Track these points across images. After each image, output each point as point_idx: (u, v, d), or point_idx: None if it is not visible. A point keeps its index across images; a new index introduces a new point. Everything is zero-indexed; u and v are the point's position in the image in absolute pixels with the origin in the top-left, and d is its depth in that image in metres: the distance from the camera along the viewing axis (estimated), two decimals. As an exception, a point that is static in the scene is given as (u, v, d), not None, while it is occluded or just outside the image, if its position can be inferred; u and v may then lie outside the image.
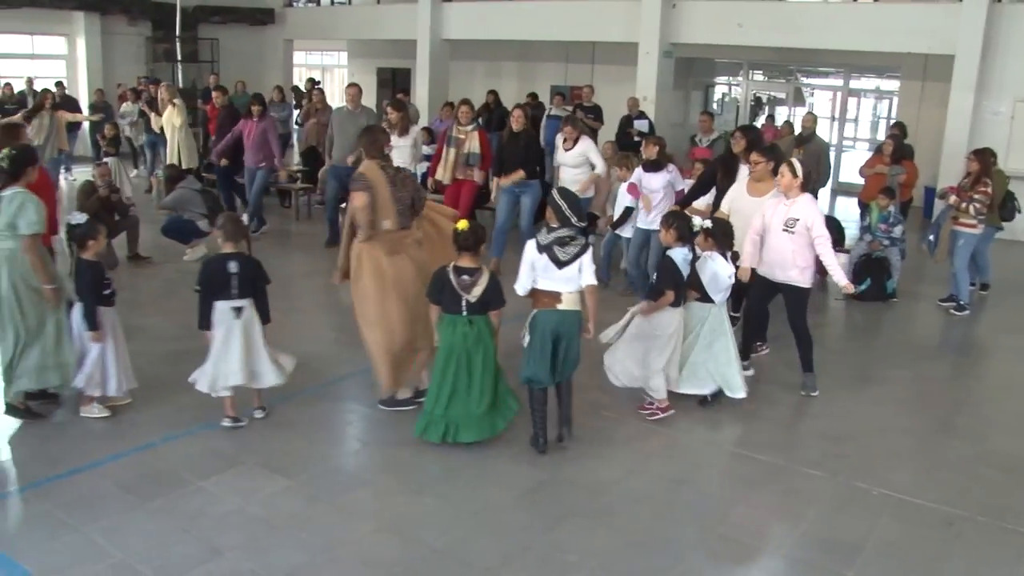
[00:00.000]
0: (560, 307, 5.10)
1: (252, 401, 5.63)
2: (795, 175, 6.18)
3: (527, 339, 5.17)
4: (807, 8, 14.86)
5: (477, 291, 5.09)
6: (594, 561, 4.22)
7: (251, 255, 5.54)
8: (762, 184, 6.68)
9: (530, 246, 5.12)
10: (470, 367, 5.12)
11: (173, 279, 8.46)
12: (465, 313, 5.10)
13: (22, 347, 5.42)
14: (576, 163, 9.37)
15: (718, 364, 5.98)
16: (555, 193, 5.25)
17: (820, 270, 6.42)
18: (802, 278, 6.28)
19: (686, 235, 5.73)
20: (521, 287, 5.15)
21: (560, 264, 5.03)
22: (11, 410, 5.57)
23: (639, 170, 8.51)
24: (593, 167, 9.32)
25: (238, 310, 5.39)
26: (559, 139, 9.63)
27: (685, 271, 5.71)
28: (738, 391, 6.01)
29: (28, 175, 5.49)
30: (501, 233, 9.65)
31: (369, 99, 22.15)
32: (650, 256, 8.29)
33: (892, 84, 18.23)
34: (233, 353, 5.35)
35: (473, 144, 9.75)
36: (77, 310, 5.45)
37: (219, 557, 4.13)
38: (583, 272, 5.09)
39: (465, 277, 5.09)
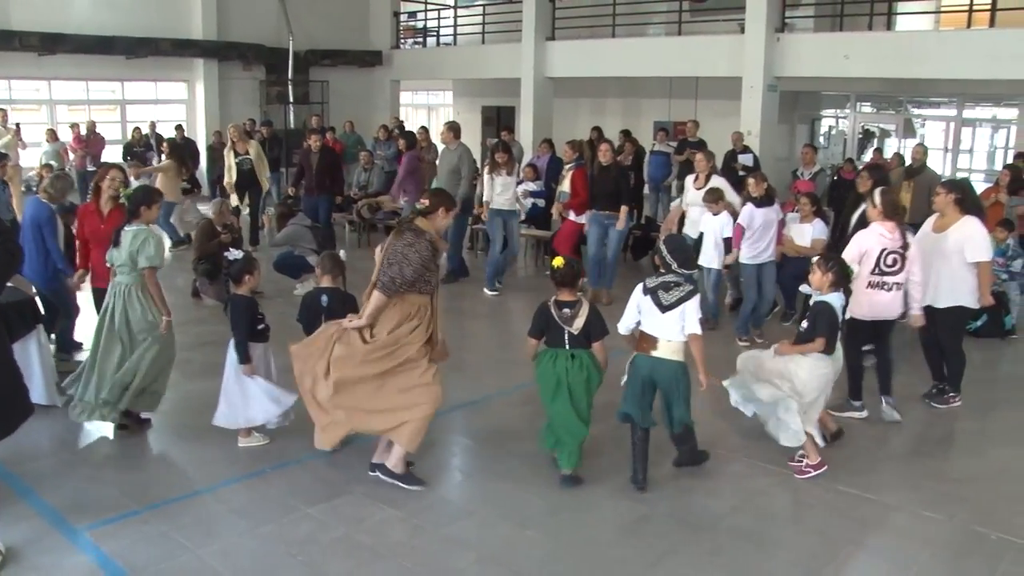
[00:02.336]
0: (654, 354, 5.09)
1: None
2: (874, 205, 6.14)
3: (624, 379, 5.24)
4: (918, 37, 14.47)
5: (579, 323, 5.15)
6: (698, 598, 4.16)
7: (346, 291, 5.72)
8: (945, 219, 6.49)
9: (638, 289, 5.17)
10: (573, 398, 5.17)
11: (285, 312, 8.70)
12: (568, 347, 5.17)
13: (124, 370, 5.79)
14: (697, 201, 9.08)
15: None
16: (661, 241, 5.34)
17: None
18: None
19: (842, 281, 5.44)
20: (623, 326, 5.21)
21: (663, 308, 5.03)
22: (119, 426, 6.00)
23: (749, 207, 8.27)
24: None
25: None
26: (689, 179, 9.48)
27: (840, 318, 5.44)
28: None
29: (145, 214, 5.89)
30: (595, 263, 9.73)
31: (474, 137, 22.71)
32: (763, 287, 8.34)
33: (1010, 112, 17.57)
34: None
35: (565, 183, 10.04)
36: (231, 345, 5.70)
37: (326, 582, 4.23)
38: (687, 320, 5.02)
39: (566, 310, 5.18)
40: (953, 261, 6.34)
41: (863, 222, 6.66)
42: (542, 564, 4.44)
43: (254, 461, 5.57)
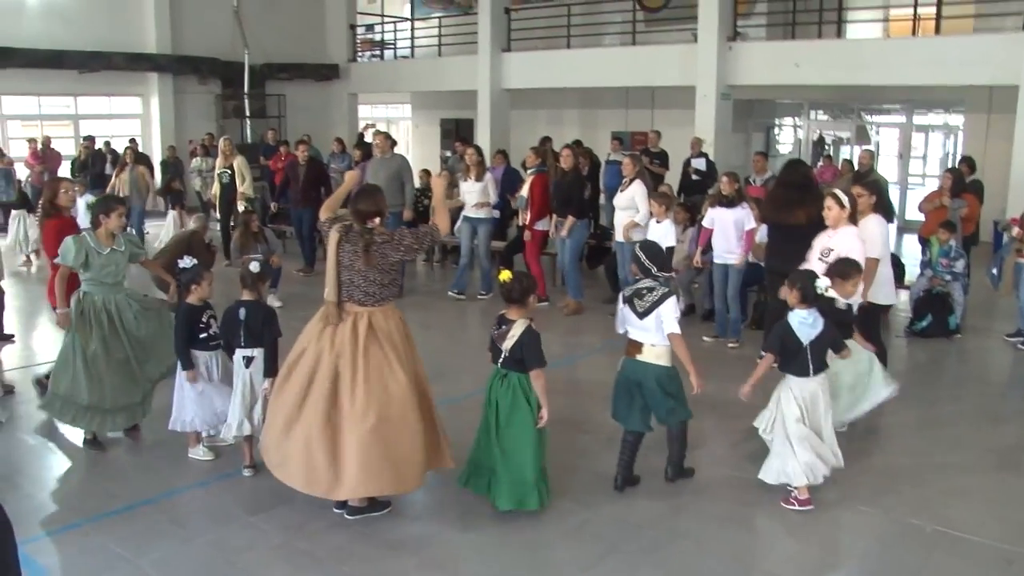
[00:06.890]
0: (639, 357, 5.13)
1: (243, 457, 5.57)
2: (842, 207, 6.14)
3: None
4: (866, 45, 14.74)
5: (507, 344, 4.78)
6: (635, 596, 4.19)
7: (264, 304, 5.62)
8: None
9: (620, 297, 5.32)
10: (498, 419, 4.86)
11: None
12: (500, 367, 4.88)
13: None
14: (625, 206, 9.27)
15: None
16: (637, 246, 5.34)
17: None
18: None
19: (811, 296, 5.16)
20: (621, 329, 5.26)
21: (639, 315, 5.06)
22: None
23: (716, 208, 8.40)
24: (637, 210, 9.07)
25: (248, 359, 5.43)
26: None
27: (804, 335, 5.08)
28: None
29: (103, 223, 5.89)
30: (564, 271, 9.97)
31: (433, 149, 22.76)
32: (729, 288, 8.40)
33: (958, 119, 17.90)
34: (236, 402, 5.43)
35: (524, 189, 10.08)
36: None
37: (264, 590, 4.22)
38: (664, 322, 4.97)
39: (503, 327, 4.85)
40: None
41: None
42: (483, 568, 4.47)
43: (198, 472, 5.54)
